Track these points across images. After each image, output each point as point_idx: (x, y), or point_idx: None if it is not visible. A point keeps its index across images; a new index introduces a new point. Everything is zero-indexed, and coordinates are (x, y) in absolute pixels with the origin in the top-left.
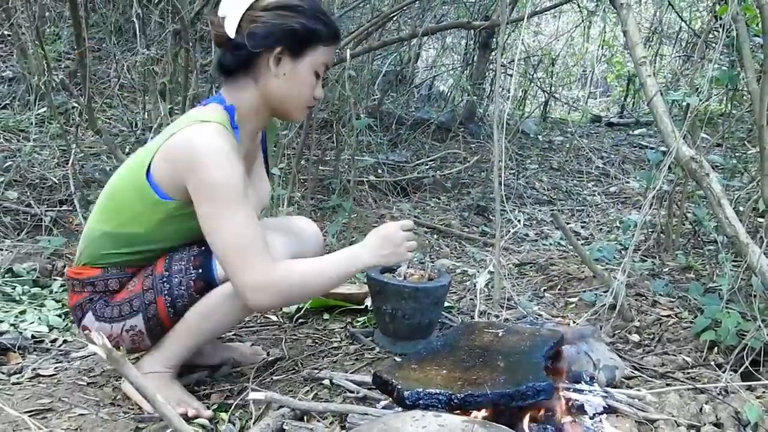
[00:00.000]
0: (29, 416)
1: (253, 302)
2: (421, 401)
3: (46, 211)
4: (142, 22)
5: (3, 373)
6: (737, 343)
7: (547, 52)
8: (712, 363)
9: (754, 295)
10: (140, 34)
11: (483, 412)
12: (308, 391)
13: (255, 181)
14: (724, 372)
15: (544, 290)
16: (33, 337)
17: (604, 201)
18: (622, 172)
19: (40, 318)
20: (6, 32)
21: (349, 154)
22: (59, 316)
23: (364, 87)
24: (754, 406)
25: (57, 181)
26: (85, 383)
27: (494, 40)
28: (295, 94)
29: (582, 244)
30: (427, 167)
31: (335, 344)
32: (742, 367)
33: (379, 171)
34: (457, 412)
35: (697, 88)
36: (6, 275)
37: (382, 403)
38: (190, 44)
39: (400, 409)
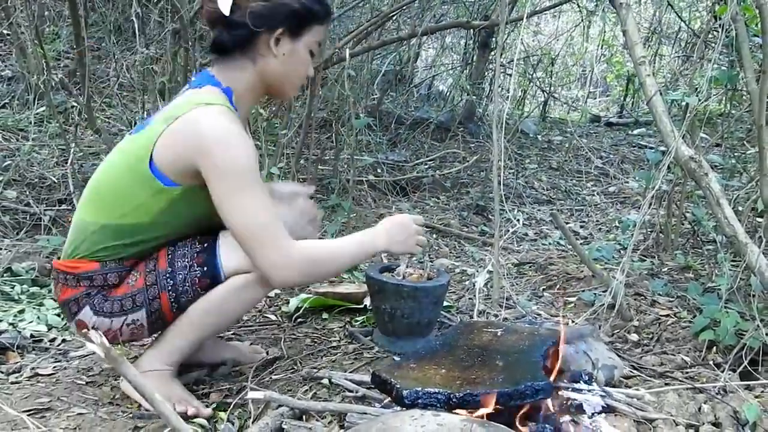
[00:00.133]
0: (28, 415)
1: (282, 279)
2: (419, 400)
3: (45, 210)
4: (142, 21)
5: (2, 373)
6: (736, 342)
7: (547, 52)
8: (711, 362)
9: (753, 295)
10: (139, 33)
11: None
12: (307, 390)
13: None
14: (722, 371)
15: (543, 290)
16: (32, 336)
17: (603, 201)
18: (622, 171)
19: (38, 317)
20: (5, 31)
21: (348, 153)
22: (58, 315)
23: (364, 86)
24: (753, 406)
25: (56, 181)
26: (84, 382)
27: (494, 39)
28: (291, 73)
29: (581, 244)
30: (426, 167)
31: (334, 343)
32: (741, 367)
33: (379, 170)
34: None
35: (697, 88)
36: (5, 274)
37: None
38: (190, 43)
39: (398, 408)
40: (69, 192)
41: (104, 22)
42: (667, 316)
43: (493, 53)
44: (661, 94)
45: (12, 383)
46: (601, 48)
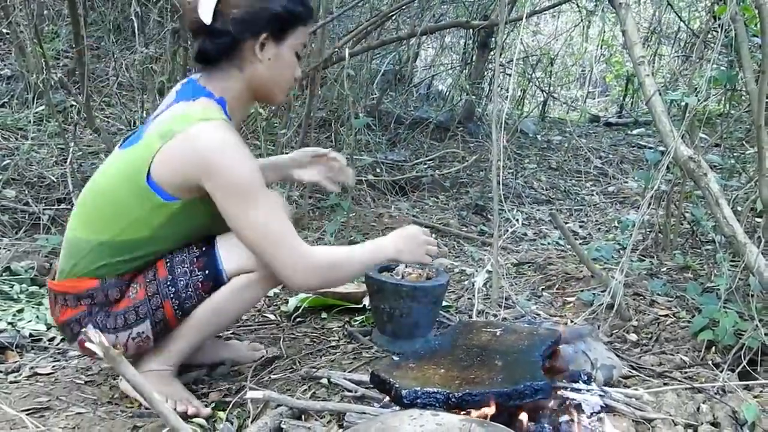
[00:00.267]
0: (27, 415)
1: (303, 282)
2: (418, 400)
3: (44, 209)
4: (141, 20)
5: (1, 372)
6: (735, 342)
7: (546, 52)
8: (710, 362)
9: (752, 295)
10: (139, 32)
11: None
12: (306, 389)
13: None
14: (721, 371)
15: (542, 289)
16: (31, 335)
17: (602, 200)
18: (621, 171)
19: (38, 316)
20: (4, 30)
21: (347, 153)
22: None
23: (363, 86)
24: (752, 406)
25: (55, 180)
26: (83, 381)
27: (493, 39)
28: (278, 77)
29: (580, 244)
30: (425, 166)
31: (333, 343)
32: (740, 367)
33: (378, 170)
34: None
35: (696, 88)
36: (4, 274)
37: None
38: (189, 43)
39: (397, 408)
40: (68, 191)
41: (103, 22)
42: (666, 316)
43: (492, 53)
44: (660, 94)
45: (11, 382)
46: (601, 48)
